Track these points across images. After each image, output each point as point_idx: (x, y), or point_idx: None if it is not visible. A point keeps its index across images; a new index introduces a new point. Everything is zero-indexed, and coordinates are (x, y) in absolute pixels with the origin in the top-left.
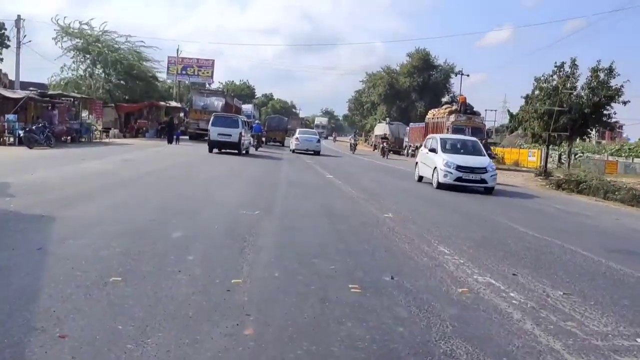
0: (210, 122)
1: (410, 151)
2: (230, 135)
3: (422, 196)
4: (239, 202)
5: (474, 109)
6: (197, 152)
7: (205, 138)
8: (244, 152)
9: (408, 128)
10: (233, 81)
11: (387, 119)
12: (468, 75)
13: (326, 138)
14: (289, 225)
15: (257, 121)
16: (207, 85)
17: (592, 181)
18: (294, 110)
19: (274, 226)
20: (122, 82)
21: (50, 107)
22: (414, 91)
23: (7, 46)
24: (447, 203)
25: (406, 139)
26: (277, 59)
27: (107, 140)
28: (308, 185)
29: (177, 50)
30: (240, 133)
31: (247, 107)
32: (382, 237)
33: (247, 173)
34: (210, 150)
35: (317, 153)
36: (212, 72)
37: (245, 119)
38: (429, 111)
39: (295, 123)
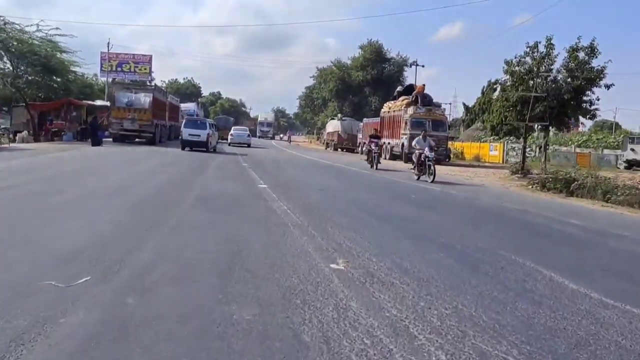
0: (183, 124)
1: (364, 149)
2: (200, 135)
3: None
4: (75, 248)
5: (433, 100)
6: (108, 157)
7: (137, 140)
8: (211, 150)
9: (361, 124)
10: (177, 79)
11: (339, 115)
12: (423, 66)
13: (272, 138)
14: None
15: None
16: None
17: (586, 179)
18: (243, 109)
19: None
20: (34, 77)
21: None
22: (367, 85)
23: None
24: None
25: (360, 136)
26: (228, 58)
27: (6, 145)
28: (224, 202)
29: (108, 44)
30: (208, 134)
31: (188, 106)
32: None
33: (153, 182)
34: (183, 149)
35: (248, 145)
36: (150, 69)
37: (213, 122)
38: (384, 104)
39: (249, 123)
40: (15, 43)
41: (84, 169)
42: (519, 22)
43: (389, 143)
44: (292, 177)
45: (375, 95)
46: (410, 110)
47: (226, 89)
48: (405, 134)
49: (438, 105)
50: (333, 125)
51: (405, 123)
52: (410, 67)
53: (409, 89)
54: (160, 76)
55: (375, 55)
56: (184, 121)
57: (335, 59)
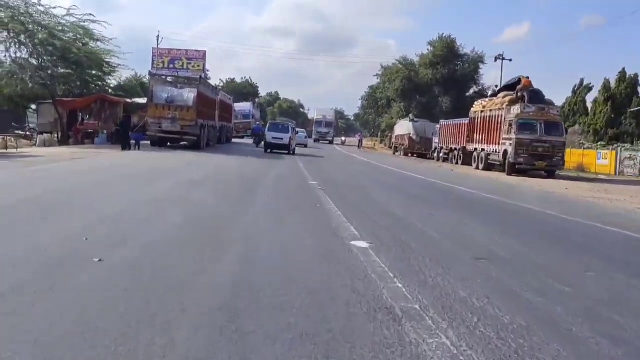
0: (267, 127)
1: (441, 155)
2: (282, 138)
3: None
4: None
5: (545, 97)
6: (126, 168)
7: (170, 145)
8: (292, 152)
9: (438, 126)
10: (234, 79)
11: (411, 115)
12: (511, 60)
13: (331, 142)
14: None
15: (257, 122)
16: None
17: None
18: (301, 110)
19: None
20: (64, 69)
21: None
22: (437, 84)
23: None
24: None
25: (436, 140)
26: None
27: (13, 150)
28: (292, 312)
29: (158, 38)
30: (290, 137)
31: (244, 106)
32: None
33: (153, 229)
34: (266, 151)
35: (289, 152)
36: (204, 65)
37: (293, 126)
38: (476, 102)
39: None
40: (40, 28)
41: (61, 194)
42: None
43: (482, 150)
44: (408, 217)
45: (447, 95)
46: (516, 109)
47: (284, 90)
48: (510, 139)
49: (551, 103)
50: (403, 127)
51: (510, 125)
52: (495, 61)
53: (511, 85)
54: (218, 76)
55: (446, 52)
56: (267, 125)
57: (401, 56)
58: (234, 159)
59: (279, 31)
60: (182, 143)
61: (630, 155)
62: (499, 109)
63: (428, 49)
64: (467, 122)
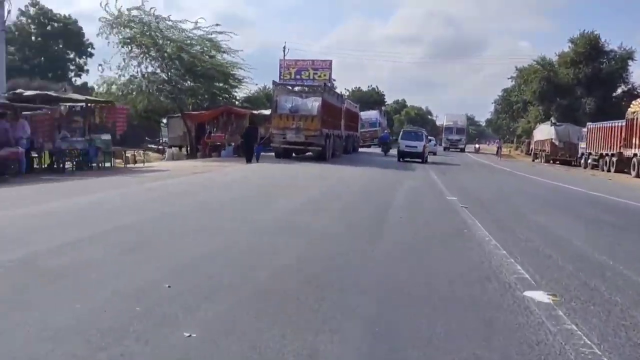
0: (400, 136)
1: (589, 161)
2: (416, 147)
3: None
4: None
5: None
6: (243, 184)
7: (295, 155)
8: (424, 161)
9: (584, 129)
10: (360, 87)
11: (552, 119)
12: None
13: (462, 150)
14: None
15: (386, 130)
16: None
17: None
18: (429, 117)
19: None
20: (193, 83)
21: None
22: (579, 85)
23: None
24: None
25: (582, 145)
26: (414, 66)
27: (140, 165)
28: None
29: (284, 49)
30: (424, 145)
31: (370, 114)
32: None
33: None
34: (399, 160)
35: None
36: (330, 75)
37: (426, 134)
38: (633, 103)
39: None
40: (169, 42)
41: (159, 221)
42: None
43: None
44: (590, 250)
45: (590, 96)
46: None
47: (411, 98)
48: None
49: None
50: (544, 132)
51: None
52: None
53: None
54: (345, 86)
55: (589, 49)
56: (400, 133)
57: (539, 55)
58: (360, 170)
59: (406, 39)
60: (307, 154)
61: None
62: None
63: (569, 47)
64: (622, 124)
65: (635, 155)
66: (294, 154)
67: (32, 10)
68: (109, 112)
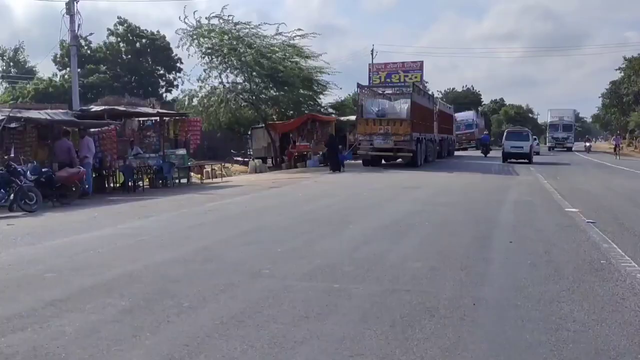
0: (504, 136)
1: None
2: (522, 147)
3: None
4: None
5: None
6: (324, 198)
7: (385, 162)
8: (531, 161)
9: None
10: (454, 88)
11: None
12: None
13: (570, 149)
14: None
15: (485, 132)
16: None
17: None
18: (530, 115)
19: None
20: (275, 91)
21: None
22: None
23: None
24: None
25: None
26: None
27: (218, 180)
28: None
29: (372, 52)
30: (531, 145)
31: (466, 115)
32: None
33: None
34: (504, 161)
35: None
36: (422, 76)
37: (531, 133)
38: None
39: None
40: (249, 50)
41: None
42: None
43: None
44: None
45: None
46: None
47: (510, 97)
48: None
49: None
50: None
51: None
52: None
53: None
54: (437, 87)
55: None
56: (505, 133)
57: None
58: (456, 177)
59: (502, 36)
60: (397, 160)
61: None
62: None
63: None
64: None
65: None
66: (383, 161)
67: (120, 29)
68: (182, 125)
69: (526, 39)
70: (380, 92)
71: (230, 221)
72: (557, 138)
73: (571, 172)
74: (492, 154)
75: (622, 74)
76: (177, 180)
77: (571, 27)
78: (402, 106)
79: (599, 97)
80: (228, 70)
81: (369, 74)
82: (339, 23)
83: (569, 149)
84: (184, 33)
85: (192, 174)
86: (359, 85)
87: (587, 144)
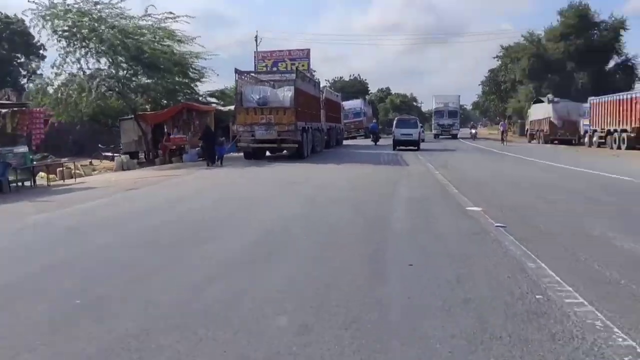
0: (394, 124)
1: (594, 139)
2: (412, 134)
3: None
4: None
5: None
6: (188, 201)
7: (270, 154)
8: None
9: (586, 105)
10: (341, 77)
11: (549, 96)
12: None
13: (455, 136)
14: None
15: (374, 120)
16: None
17: None
18: (414, 104)
19: None
20: (146, 78)
21: None
22: (570, 59)
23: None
24: None
25: (585, 122)
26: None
27: (70, 180)
28: None
29: (256, 38)
30: (419, 133)
31: (353, 103)
32: None
33: None
34: (394, 149)
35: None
36: (309, 64)
37: (417, 120)
38: None
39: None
40: (112, 31)
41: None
42: None
43: None
44: None
45: (582, 70)
46: None
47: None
48: None
49: None
50: (540, 111)
51: None
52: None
53: None
54: (325, 77)
55: (579, 21)
56: (395, 121)
57: (527, 31)
58: (344, 169)
59: (387, 28)
60: (284, 152)
61: None
62: None
63: (557, 20)
64: (638, 95)
65: None
66: (268, 153)
67: None
68: (22, 118)
69: (410, 30)
70: (262, 79)
71: (40, 246)
72: (442, 125)
73: (459, 159)
74: (381, 141)
75: (500, 62)
76: (16, 184)
77: (452, 19)
78: (286, 94)
79: (479, 85)
80: (88, 55)
81: (255, 62)
82: (228, 13)
83: (454, 137)
84: (33, 14)
85: (42, 174)
86: (237, 71)
87: (473, 131)
